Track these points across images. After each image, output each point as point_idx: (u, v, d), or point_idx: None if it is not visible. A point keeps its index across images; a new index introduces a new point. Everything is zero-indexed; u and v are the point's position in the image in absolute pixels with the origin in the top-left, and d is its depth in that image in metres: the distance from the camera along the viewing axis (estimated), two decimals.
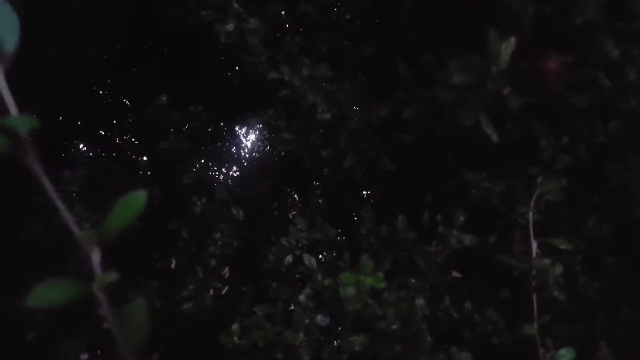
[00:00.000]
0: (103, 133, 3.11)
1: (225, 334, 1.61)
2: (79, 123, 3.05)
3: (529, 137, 1.52)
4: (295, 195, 3.25)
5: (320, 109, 1.60)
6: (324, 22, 1.75)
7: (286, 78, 1.65)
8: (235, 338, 1.60)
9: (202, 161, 2.90)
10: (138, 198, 0.58)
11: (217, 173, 3.02)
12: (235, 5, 1.83)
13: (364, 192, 2.12)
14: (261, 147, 2.96)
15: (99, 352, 2.58)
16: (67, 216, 0.56)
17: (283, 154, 2.19)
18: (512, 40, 1.13)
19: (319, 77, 1.63)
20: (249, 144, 3.01)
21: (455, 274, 1.97)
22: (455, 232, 1.53)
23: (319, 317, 1.56)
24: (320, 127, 1.67)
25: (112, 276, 0.57)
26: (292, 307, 2.10)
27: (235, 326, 1.62)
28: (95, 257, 0.58)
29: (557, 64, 1.22)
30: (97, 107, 2.92)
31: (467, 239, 1.54)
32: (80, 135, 2.97)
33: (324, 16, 1.77)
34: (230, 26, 1.78)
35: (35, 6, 2.05)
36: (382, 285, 1.40)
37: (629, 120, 1.49)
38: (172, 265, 2.56)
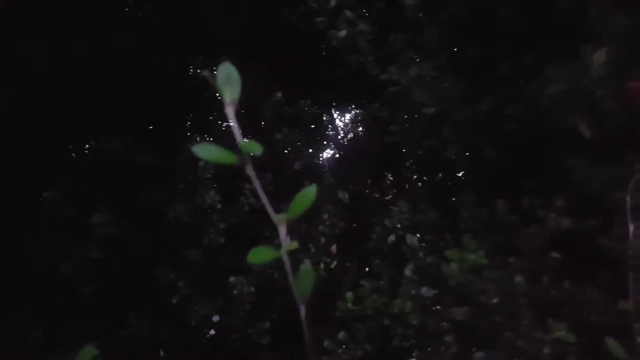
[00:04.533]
0: (221, 125, 3.52)
1: (341, 301, 1.88)
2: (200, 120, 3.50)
3: (629, 127, 1.56)
4: (391, 178, 3.44)
5: (424, 104, 1.77)
6: (428, 22, 1.90)
7: (394, 77, 1.84)
8: (349, 304, 1.86)
9: (310, 150, 3.19)
10: (310, 192, 0.83)
11: (322, 160, 3.30)
12: (348, 12, 2.04)
13: (465, 178, 2.25)
14: (363, 136, 3.18)
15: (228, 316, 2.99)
16: (266, 202, 0.82)
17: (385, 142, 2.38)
18: (603, 51, 1.21)
19: (425, 75, 1.79)
20: (351, 133, 3.24)
21: (555, 255, 2.05)
22: (553, 215, 1.64)
23: (424, 289, 1.76)
24: (425, 120, 1.84)
25: (295, 245, 0.83)
26: (395, 282, 2.32)
27: (349, 294, 1.87)
28: (283, 231, 0.83)
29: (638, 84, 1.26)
30: (215, 103, 3.32)
31: (565, 222, 1.64)
32: (197, 130, 3.41)
33: (428, 16, 1.92)
34: (343, 32, 2.01)
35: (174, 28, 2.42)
36: (484, 261, 1.56)
37: None
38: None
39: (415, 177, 2.61)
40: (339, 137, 3.28)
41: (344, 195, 2.88)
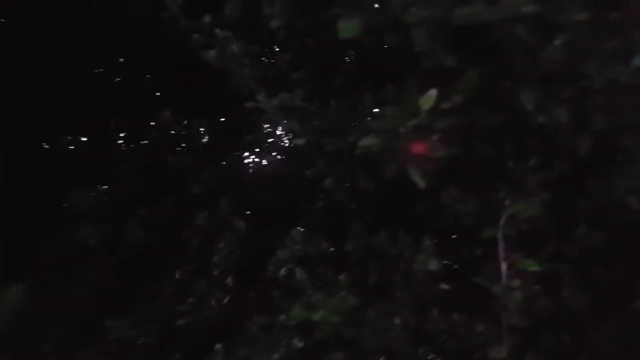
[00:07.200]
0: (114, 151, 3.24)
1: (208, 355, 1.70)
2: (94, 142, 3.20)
3: (499, 159, 1.53)
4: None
5: (295, 134, 1.65)
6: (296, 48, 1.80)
7: (261, 106, 1.71)
8: (219, 358, 1.68)
9: (209, 174, 2.99)
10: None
11: (222, 185, 3.10)
12: (219, 31, 1.89)
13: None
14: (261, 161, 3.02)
15: None
16: None
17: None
18: (433, 93, 1.13)
19: (288, 105, 1.67)
20: (251, 157, 3.07)
21: (444, 286, 1.99)
22: (420, 256, 1.56)
23: (294, 340, 1.62)
24: (299, 151, 1.72)
25: None
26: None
27: (218, 346, 1.70)
28: None
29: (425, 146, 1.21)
30: (107, 127, 3.06)
31: (432, 265, 1.57)
32: (93, 154, 3.12)
33: (302, 45, 1.81)
34: (212, 52, 1.85)
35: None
36: (351, 302, 1.45)
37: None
38: (177, 276, 2.68)
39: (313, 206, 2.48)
40: (239, 160, 3.10)
41: (240, 223, 2.71)
